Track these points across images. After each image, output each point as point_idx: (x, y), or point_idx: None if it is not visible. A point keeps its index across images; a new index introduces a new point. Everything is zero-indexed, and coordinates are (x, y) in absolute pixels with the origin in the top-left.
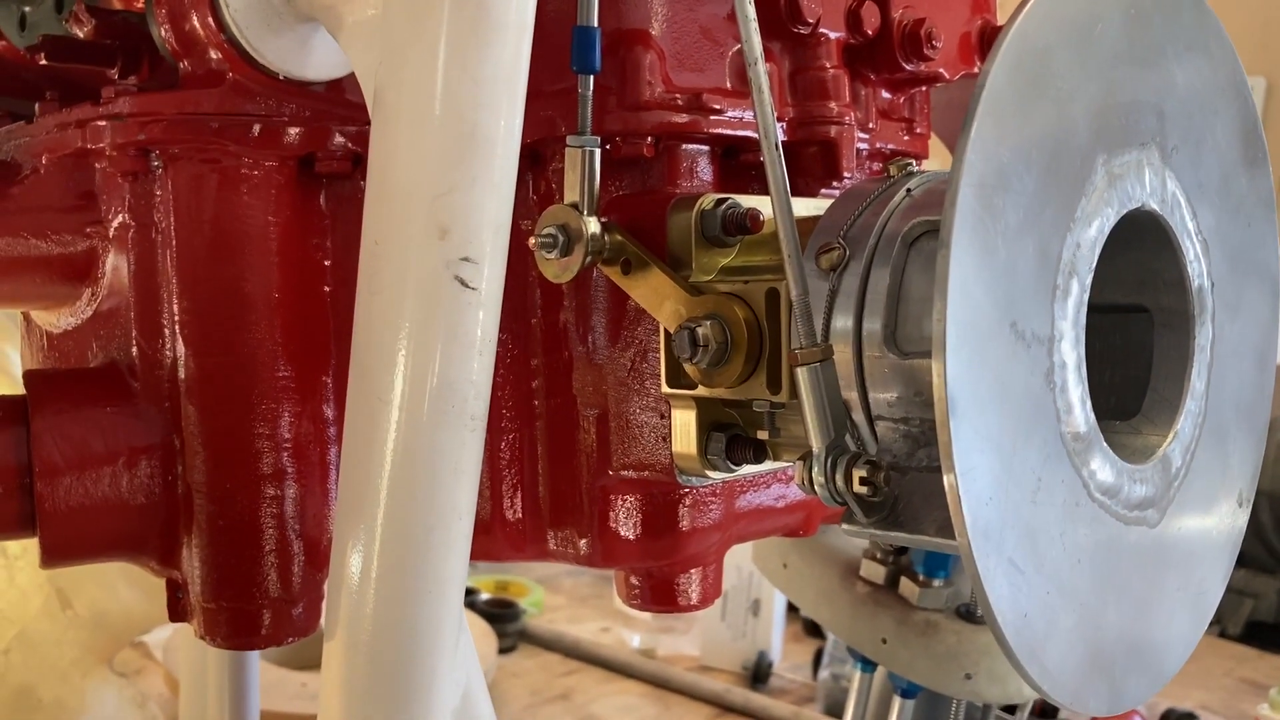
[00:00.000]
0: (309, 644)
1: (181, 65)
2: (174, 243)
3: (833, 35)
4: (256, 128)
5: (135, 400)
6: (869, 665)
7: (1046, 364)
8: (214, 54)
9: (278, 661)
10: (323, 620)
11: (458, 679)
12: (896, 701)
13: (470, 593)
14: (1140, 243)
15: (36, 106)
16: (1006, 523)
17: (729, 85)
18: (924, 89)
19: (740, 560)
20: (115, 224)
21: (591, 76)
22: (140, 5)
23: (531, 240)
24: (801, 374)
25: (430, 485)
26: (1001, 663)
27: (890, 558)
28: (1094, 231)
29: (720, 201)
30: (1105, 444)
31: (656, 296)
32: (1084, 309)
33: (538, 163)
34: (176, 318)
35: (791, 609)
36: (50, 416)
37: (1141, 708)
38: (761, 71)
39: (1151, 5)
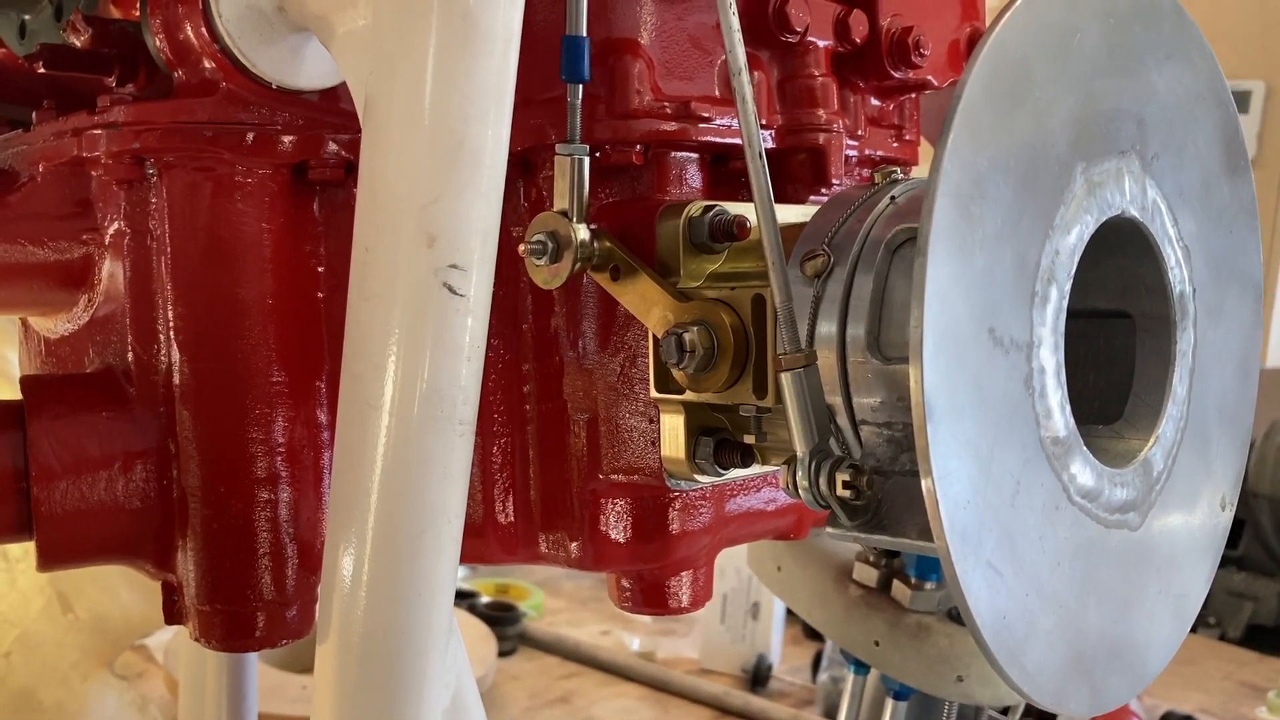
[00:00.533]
0: (308, 647)
1: (176, 75)
2: (169, 249)
3: (821, 43)
4: (250, 136)
5: (131, 405)
6: (862, 668)
7: (1025, 369)
8: (208, 64)
9: (277, 664)
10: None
11: (448, 680)
12: (889, 703)
13: (470, 596)
14: (1122, 249)
15: (34, 115)
16: (985, 526)
17: (717, 93)
18: (913, 96)
19: (739, 563)
20: (111, 231)
21: (581, 85)
22: (137, 14)
23: (521, 247)
24: (786, 379)
25: (420, 489)
26: None
27: (883, 561)
28: (1073, 239)
29: (708, 209)
30: (1085, 448)
31: (645, 303)
32: (1063, 315)
33: (528, 170)
34: (171, 324)
35: (790, 612)
36: (46, 421)
37: (1140, 711)
38: (745, 82)
39: (1131, 14)
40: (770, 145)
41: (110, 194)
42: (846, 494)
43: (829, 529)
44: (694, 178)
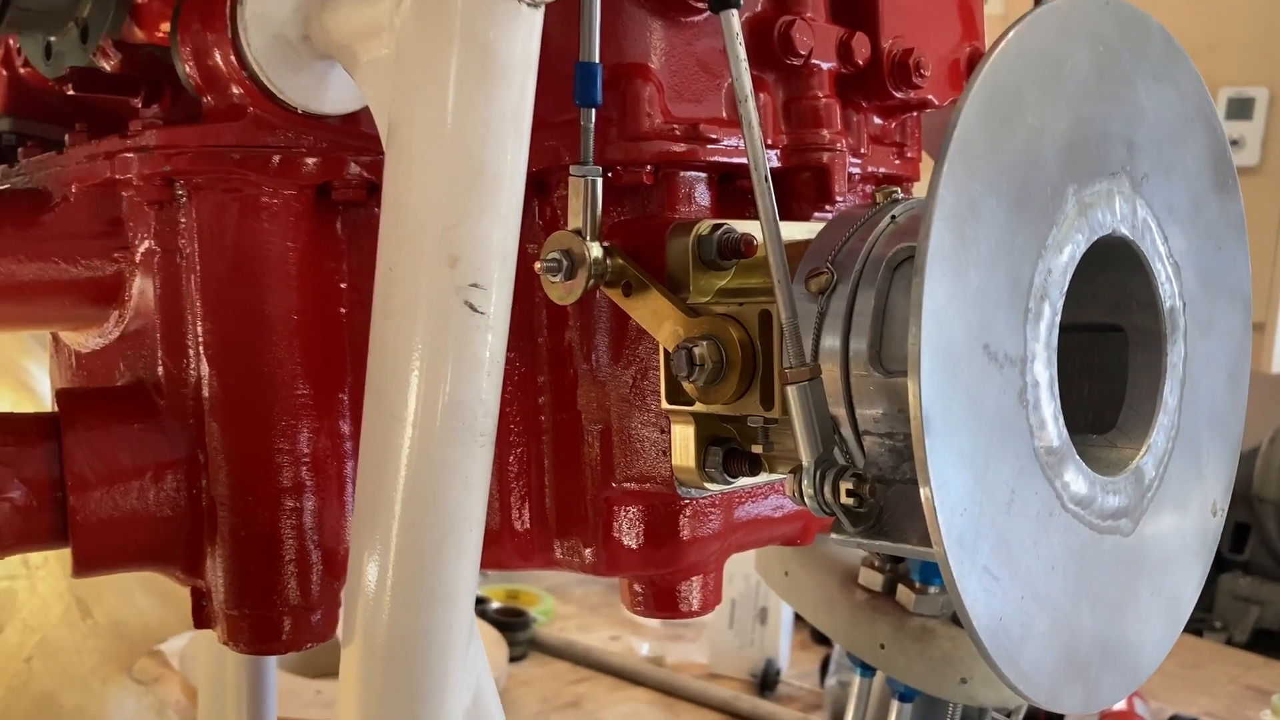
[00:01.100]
0: (323, 652)
1: (205, 100)
2: (198, 267)
3: (825, 66)
4: (276, 158)
5: (161, 417)
6: (868, 670)
7: (1020, 383)
8: (236, 90)
9: (293, 669)
10: (340, 626)
11: (469, 682)
12: (895, 705)
13: (481, 601)
14: (1115, 265)
15: (66, 138)
16: (981, 533)
17: (725, 115)
18: (915, 114)
19: (748, 569)
20: (142, 250)
21: (594, 109)
22: (161, 36)
23: (538, 264)
24: (791, 392)
25: (442, 498)
26: None
27: (888, 565)
28: (1065, 258)
29: (716, 227)
30: (1078, 457)
31: (656, 317)
32: (1055, 330)
33: (543, 190)
34: (200, 339)
35: (799, 617)
36: (81, 433)
37: (1147, 714)
38: (752, 108)
39: (1119, 41)
40: (776, 164)
41: (141, 214)
42: (850, 502)
43: (834, 535)
44: (703, 196)
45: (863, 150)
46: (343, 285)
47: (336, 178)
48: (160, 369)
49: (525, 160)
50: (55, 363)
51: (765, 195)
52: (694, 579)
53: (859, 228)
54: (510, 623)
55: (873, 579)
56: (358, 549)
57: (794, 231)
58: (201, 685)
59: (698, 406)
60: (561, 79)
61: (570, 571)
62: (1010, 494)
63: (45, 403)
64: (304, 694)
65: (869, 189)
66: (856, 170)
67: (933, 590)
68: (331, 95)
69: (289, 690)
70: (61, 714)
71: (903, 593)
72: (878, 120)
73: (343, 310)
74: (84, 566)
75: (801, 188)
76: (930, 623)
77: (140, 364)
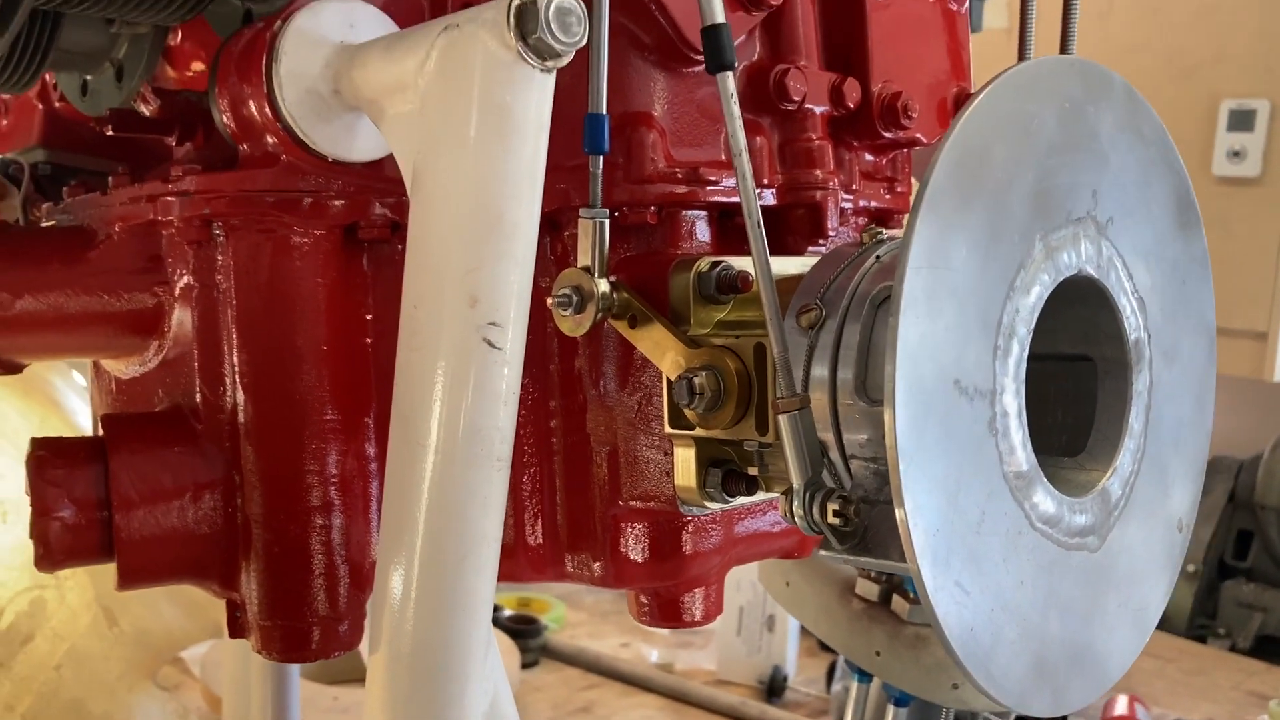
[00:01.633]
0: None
1: (241, 148)
2: (234, 301)
3: (817, 110)
4: (307, 201)
5: (199, 441)
6: (865, 676)
7: (989, 413)
8: (270, 139)
9: (310, 677)
10: (365, 636)
11: (487, 687)
12: (891, 710)
13: (494, 609)
14: (1083, 301)
15: (109, 179)
16: (953, 550)
17: (724, 157)
18: (905, 151)
19: (755, 578)
20: (180, 284)
21: (601, 156)
22: (190, 76)
23: (550, 300)
24: (783, 420)
25: (462, 518)
26: None
27: (883, 577)
28: (1033, 298)
29: (715, 264)
30: (1046, 480)
31: (659, 348)
32: (1024, 364)
33: (554, 228)
34: (236, 367)
35: None
36: (126, 456)
37: (1147, 719)
38: (745, 162)
39: (1084, 98)
40: (772, 202)
41: (180, 252)
42: (836, 521)
43: (821, 551)
44: (703, 232)
45: (854, 186)
46: (368, 317)
47: (362, 218)
48: (198, 395)
49: (539, 208)
50: (95, 388)
51: (758, 240)
52: (697, 590)
53: (846, 266)
54: (522, 630)
55: (869, 589)
56: (384, 564)
57: (788, 266)
58: (226, 694)
59: (698, 431)
60: (571, 126)
61: (580, 584)
62: (981, 515)
63: (71, 417)
64: (321, 700)
65: (862, 221)
66: (849, 205)
67: None
68: (359, 144)
69: (307, 697)
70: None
71: (897, 603)
72: (869, 157)
73: (368, 340)
74: (128, 580)
75: (796, 223)
76: (924, 631)
77: (178, 390)
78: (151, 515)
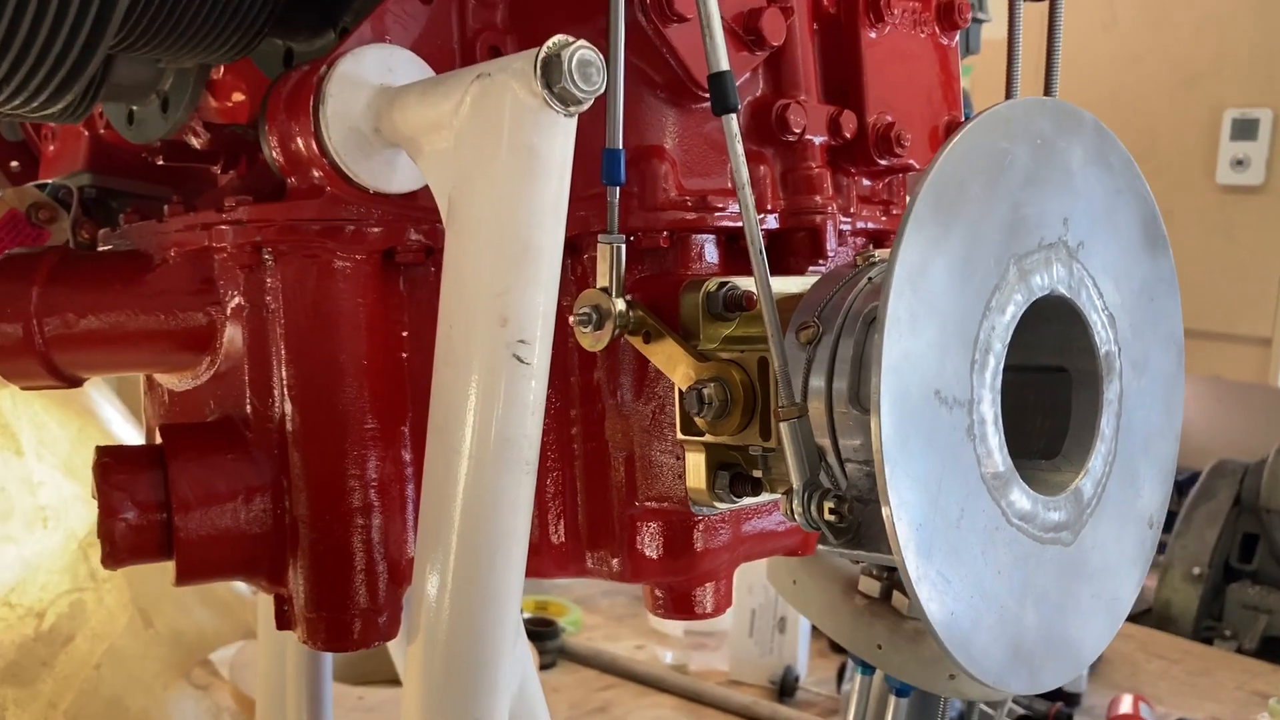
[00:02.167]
0: (365, 661)
1: (290, 181)
2: (282, 320)
3: (817, 140)
4: (349, 229)
5: (250, 448)
6: (868, 668)
7: (967, 421)
8: (316, 173)
9: (336, 678)
10: (402, 626)
11: (516, 671)
12: (892, 700)
13: None
14: (1058, 317)
15: (165, 208)
16: (935, 544)
17: (730, 186)
18: (900, 175)
19: (766, 581)
20: (232, 305)
21: (618, 187)
22: (231, 106)
23: (571, 318)
24: (783, 427)
25: (494, 518)
26: None
27: (884, 574)
28: (1007, 317)
29: (722, 284)
30: (1021, 480)
31: (671, 362)
32: (999, 376)
33: (575, 251)
34: (284, 380)
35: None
36: (183, 462)
37: (1151, 718)
38: (748, 195)
39: (1054, 134)
40: (775, 225)
41: (232, 275)
42: (832, 518)
43: (820, 546)
44: (712, 254)
45: (852, 209)
46: (404, 334)
47: (399, 243)
48: (248, 406)
49: (563, 237)
50: (148, 400)
51: (760, 265)
52: (708, 585)
53: (841, 286)
54: (540, 632)
55: (871, 586)
56: (422, 561)
57: (789, 285)
58: (260, 695)
59: (707, 437)
60: (591, 158)
61: (600, 579)
62: (960, 511)
63: (106, 426)
64: (347, 700)
65: (860, 242)
66: (847, 226)
67: None
68: (398, 177)
69: (334, 697)
70: (129, 716)
71: (898, 598)
72: (866, 182)
73: (404, 355)
74: (185, 576)
75: (797, 245)
76: (922, 626)
77: (229, 402)
78: (207, 517)
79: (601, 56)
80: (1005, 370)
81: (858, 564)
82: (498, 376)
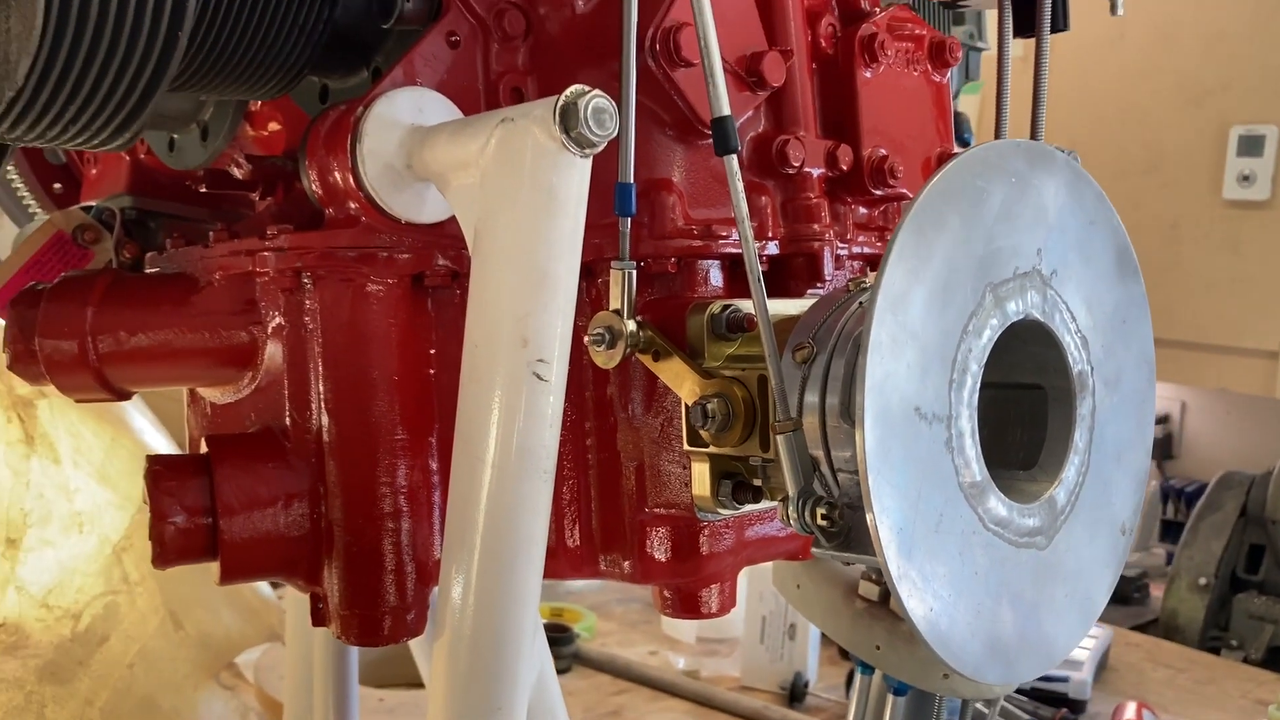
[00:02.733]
0: (385, 664)
1: (328, 211)
2: (319, 339)
3: (815, 172)
4: (382, 255)
5: (288, 457)
6: (868, 668)
7: (946, 434)
8: (353, 204)
9: (359, 680)
10: (429, 623)
11: (534, 664)
12: (890, 699)
13: None
14: (1034, 339)
15: (210, 235)
16: (914, 546)
17: (734, 216)
18: (895, 204)
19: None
20: (273, 324)
21: (630, 218)
22: (267, 135)
23: (586, 338)
24: (780, 440)
25: (515, 522)
26: None
27: (883, 579)
28: (984, 340)
29: (725, 307)
30: (997, 489)
31: (678, 378)
32: (976, 393)
33: (590, 276)
34: (321, 395)
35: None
36: (228, 470)
37: None
38: (747, 228)
39: (1029, 171)
40: (776, 251)
41: (273, 296)
42: (824, 523)
43: (814, 549)
44: (716, 278)
45: (849, 236)
46: (432, 352)
47: (428, 268)
48: (287, 418)
49: (578, 267)
50: (191, 412)
51: (758, 292)
52: (713, 586)
53: (834, 309)
54: (555, 638)
55: (870, 590)
56: (448, 562)
57: (788, 308)
58: (287, 697)
59: (711, 448)
60: (604, 191)
61: (612, 580)
62: (939, 517)
63: (138, 436)
64: (369, 701)
65: (857, 266)
66: (844, 251)
67: None
68: (427, 209)
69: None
70: (161, 714)
71: (895, 602)
72: (862, 210)
73: (432, 372)
74: (229, 575)
75: (797, 270)
76: None
77: (269, 414)
78: (249, 520)
79: (614, 104)
80: (989, 388)
81: (849, 565)
82: (519, 393)
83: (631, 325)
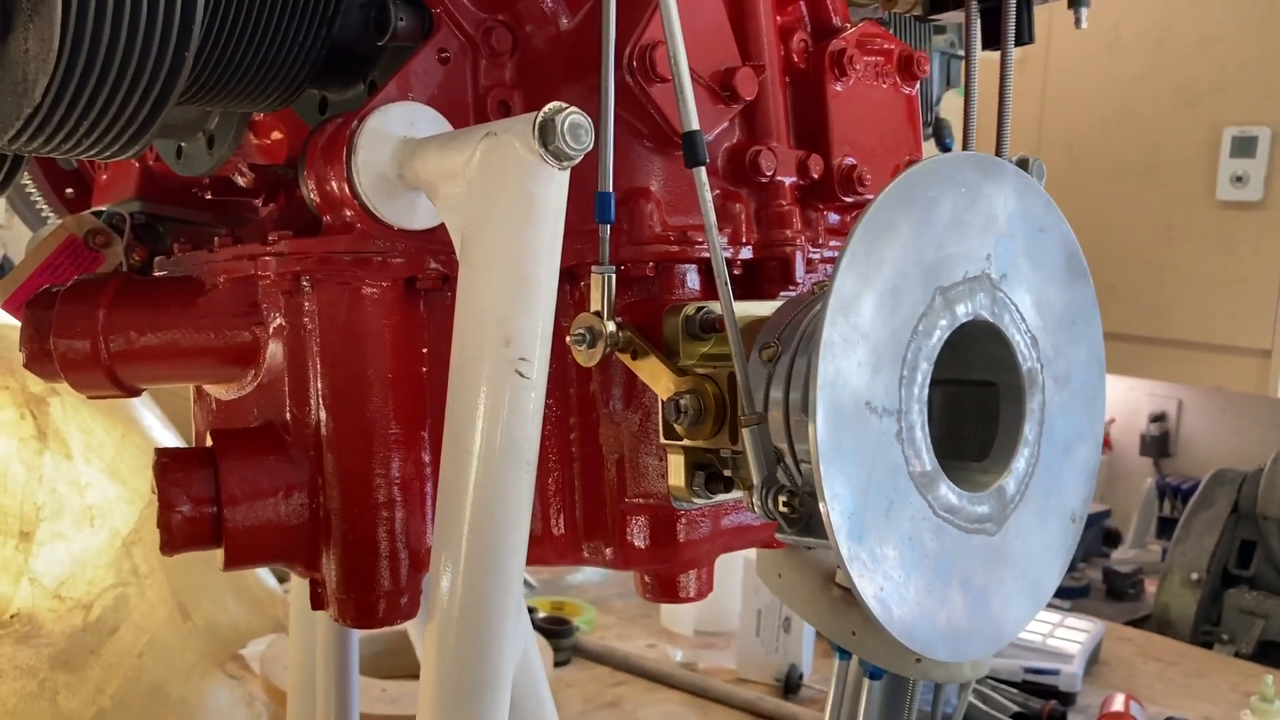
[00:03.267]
0: (388, 656)
1: (325, 218)
2: (318, 339)
3: (786, 181)
4: (376, 260)
5: (289, 450)
6: (845, 654)
7: (896, 427)
8: (348, 212)
9: (361, 671)
10: (422, 606)
11: (518, 641)
12: (866, 682)
13: (530, 611)
14: (985, 338)
15: (215, 240)
16: (865, 530)
17: None
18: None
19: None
20: (274, 325)
21: (609, 225)
22: (270, 143)
23: (568, 338)
24: (746, 433)
25: (500, 509)
26: None
27: None
28: (934, 340)
29: (699, 309)
30: (947, 478)
31: (654, 376)
32: (926, 389)
33: (572, 279)
34: (319, 391)
35: None
36: (232, 462)
37: (1142, 716)
38: (715, 236)
39: (979, 181)
40: (750, 256)
41: (275, 299)
42: (785, 510)
43: (778, 534)
44: (693, 282)
45: (820, 240)
46: (424, 350)
47: (419, 272)
48: (288, 414)
49: (558, 269)
50: (198, 407)
51: (726, 297)
52: (690, 572)
53: (799, 311)
54: (556, 630)
55: (847, 578)
56: (438, 547)
57: (760, 309)
58: (291, 686)
59: (685, 441)
60: (585, 199)
61: (595, 567)
62: (889, 505)
63: (147, 432)
64: (371, 691)
65: (828, 269)
66: (816, 255)
67: None
68: (419, 216)
69: (359, 689)
70: (169, 703)
71: (847, 580)
72: (833, 216)
73: (424, 369)
74: (233, 562)
75: (769, 273)
76: None
77: (271, 409)
78: (252, 510)
79: (590, 120)
80: (945, 384)
81: (810, 550)
82: (502, 389)
83: (611, 326)
